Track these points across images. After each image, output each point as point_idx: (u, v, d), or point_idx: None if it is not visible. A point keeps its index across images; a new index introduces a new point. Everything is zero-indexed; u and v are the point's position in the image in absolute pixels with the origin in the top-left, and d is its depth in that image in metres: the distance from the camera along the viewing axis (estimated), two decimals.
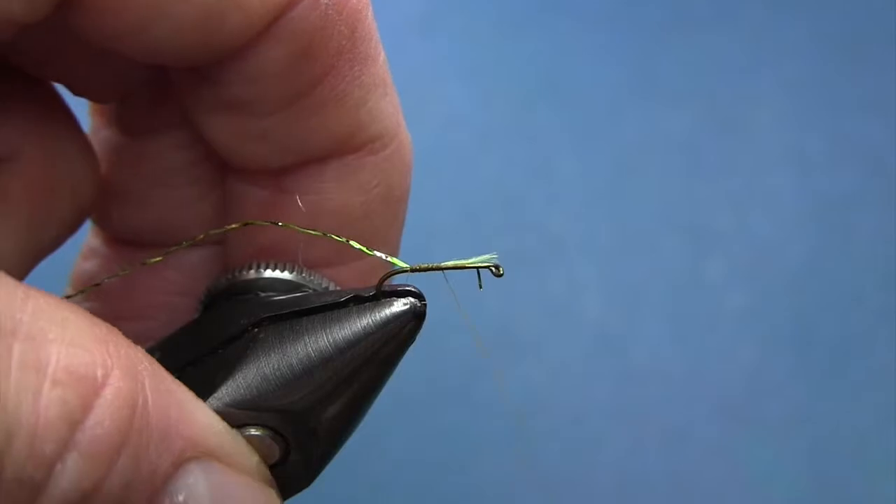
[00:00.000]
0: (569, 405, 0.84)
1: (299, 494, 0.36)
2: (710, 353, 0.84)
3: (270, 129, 0.37)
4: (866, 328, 0.85)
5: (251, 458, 0.33)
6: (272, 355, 0.35)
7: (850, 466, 0.81)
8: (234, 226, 0.38)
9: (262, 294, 0.38)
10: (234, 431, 0.33)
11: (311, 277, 0.38)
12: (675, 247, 0.86)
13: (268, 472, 0.34)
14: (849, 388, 0.83)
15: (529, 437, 0.83)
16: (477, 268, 0.34)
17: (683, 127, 0.89)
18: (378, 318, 0.34)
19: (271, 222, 0.38)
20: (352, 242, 0.36)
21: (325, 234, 0.37)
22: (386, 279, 0.35)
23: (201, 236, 0.39)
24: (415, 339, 0.36)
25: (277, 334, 0.35)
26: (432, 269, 0.34)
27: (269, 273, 0.38)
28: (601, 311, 0.86)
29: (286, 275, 0.38)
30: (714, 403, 0.83)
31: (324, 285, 0.38)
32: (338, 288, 0.38)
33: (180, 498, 0.31)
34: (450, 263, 0.34)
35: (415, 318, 0.35)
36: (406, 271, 0.34)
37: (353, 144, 0.38)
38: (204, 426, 0.32)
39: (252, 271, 0.38)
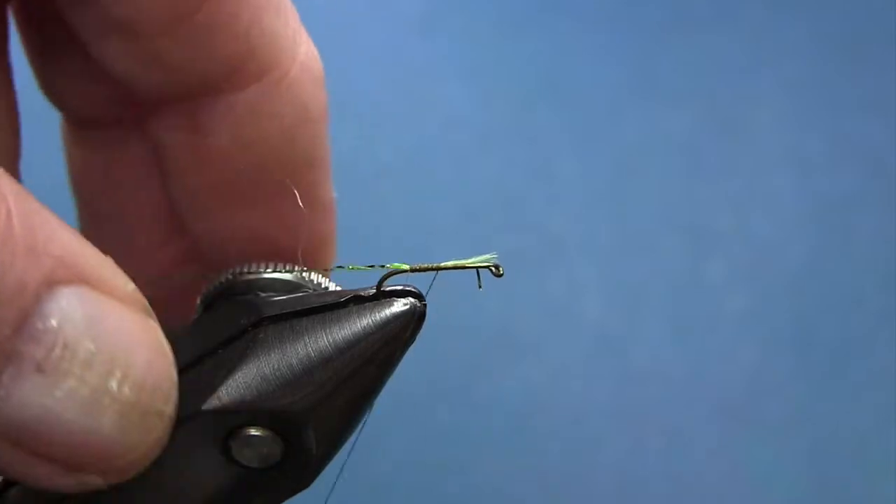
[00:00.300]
0: (569, 405, 0.84)
1: (299, 494, 0.36)
2: (710, 353, 0.84)
3: (162, 53, 0.37)
4: (867, 329, 0.85)
5: (127, 286, 0.32)
6: (272, 356, 0.35)
7: (850, 466, 0.81)
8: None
9: (263, 294, 0.37)
10: (106, 258, 0.32)
11: (311, 277, 0.38)
12: (675, 247, 0.86)
13: (145, 301, 0.33)
14: (849, 389, 0.83)
15: (529, 437, 0.83)
16: (477, 268, 0.34)
17: (683, 127, 0.89)
18: (378, 318, 0.35)
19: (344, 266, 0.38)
20: (390, 265, 0.36)
21: (380, 266, 0.36)
22: (385, 279, 0.35)
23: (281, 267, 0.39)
24: (415, 339, 0.36)
25: (277, 334, 0.35)
26: (432, 269, 0.35)
27: (268, 273, 0.38)
28: (601, 311, 0.86)
29: (286, 275, 0.38)
30: (714, 403, 0.83)
31: (324, 285, 0.38)
32: (338, 287, 0.38)
33: (53, 322, 0.29)
34: (450, 263, 0.34)
35: (415, 318, 0.35)
36: (405, 271, 0.35)
37: (252, 70, 0.38)
38: (75, 248, 0.31)
39: (252, 271, 0.38)
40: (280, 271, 0.38)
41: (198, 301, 0.40)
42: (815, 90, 0.89)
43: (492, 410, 0.85)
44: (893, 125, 0.88)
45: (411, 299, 0.35)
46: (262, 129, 0.39)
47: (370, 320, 0.35)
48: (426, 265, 0.34)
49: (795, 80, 0.90)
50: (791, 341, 0.84)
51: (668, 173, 0.88)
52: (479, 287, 0.35)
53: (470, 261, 0.34)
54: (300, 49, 0.39)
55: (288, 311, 0.35)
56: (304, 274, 0.38)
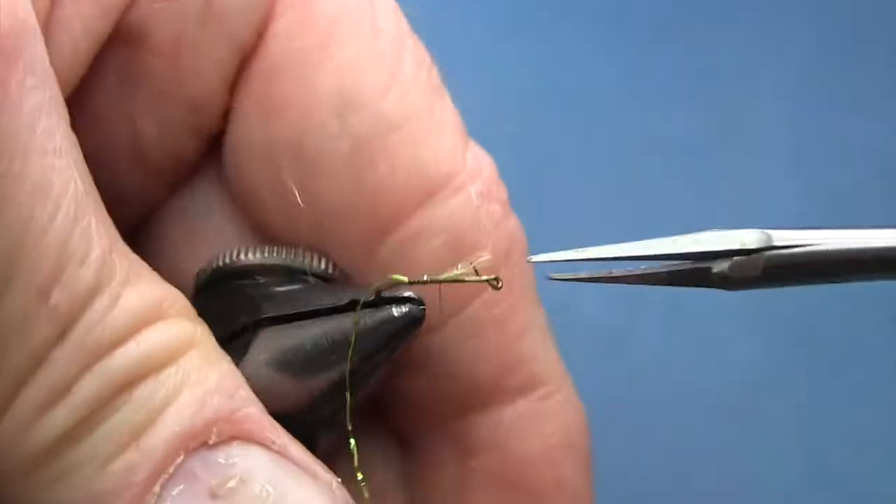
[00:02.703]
0: None
1: None
2: (709, 352, 0.84)
3: (433, 349, 0.37)
4: (868, 328, 0.85)
5: (318, 469, 0.33)
6: (270, 358, 0.35)
7: (850, 466, 0.81)
8: None
9: (261, 280, 0.37)
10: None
11: (308, 260, 0.38)
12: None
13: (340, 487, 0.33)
14: (849, 389, 0.83)
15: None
16: (475, 282, 0.34)
17: (683, 127, 0.89)
18: (377, 322, 0.35)
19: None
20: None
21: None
22: (382, 289, 0.35)
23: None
24: (412, 344, 0.36)
25: (276, 336, 0.35)
26: (430, 282, 0.35)
27: (265, 257, 0.38)
28: (601, 311, 0.86)
29: (283, 259, 0.38)
30: (714, 403, 0.83)
31: (321, 267, 0.38)
32: (335, 271, 0.38)
33: (235, 460, 0.30)
34: (449, 276, 0.34)
35: (414, 323, 0.35)
36: (403, 283, 0.35)
37: (521, 383, 0.38)
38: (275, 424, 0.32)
39: (248, 255, 0.38)
40: (277, 254, 0.38)
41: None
42: (815, 89, 0.89)
43: None
44: (894, 125, 0.87)
45: (410, 304, 0.35)
46: (526, 448, 0.38)
47: (369, 325, 0.35)
48: (424, 279, 0.34)
49: (796, 79, 0.89)
50: (793, 341, 0.84)
51: (668, 173, 0.88)
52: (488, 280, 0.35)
53: (469, 276, 0.34)
54: (567, 381, 0.39)
55: (287, 313, 0.35)
56: (303, 258, 0.38)
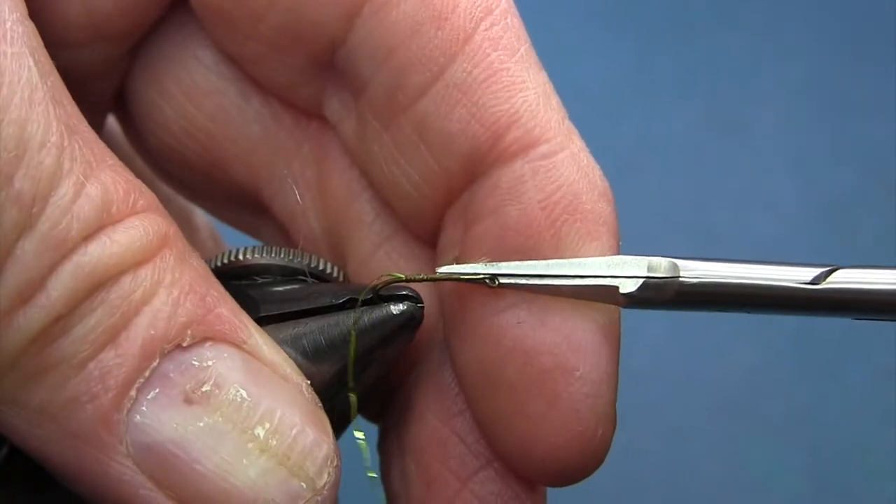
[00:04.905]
0: None
1: None
2: (709, 352, 0.84)
3: (425, 119, 0.35)
4: (867, 328, 0.85)
5: (285, 367, 0.32)
6: None
7: (850, 466, 0.81)
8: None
9: (259, 280, 0.37)
10: (272, 340, 0.33)
11: (307, 261, 0.38)
12: (676, 247, 0.85)
13: (308, 388, 0.33)
14: (849, 389, 0.83)
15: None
16: (472, 280, 0.34)
17: (683, 126, 0.88)
18: (375, 321, 0.35)
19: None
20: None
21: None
22: (381, 287, 0.35)
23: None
24: (411, 342, 0.36)
25: (275, 335, 0.34)
26: (427, 279, 0.34)
27: (265, 257, 0.38)
28: None
29: (282, 259, 0.38)
30: (714, 403, 0.83)
31: (320, 267, 0.38)
32: (333, 270, 0.38)
33: (209, 363, 0.30)
34: (444, 275, 0.34)
35: (412, 321, 0.35)
36: (401, 281, 0.34)
37: (516, 143, 0.34)
38: (245, 321, 0.32)
39: (248, 255, 0.38)
40: (276, 255, 0.38)
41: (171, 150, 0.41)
42: (815, 90, 0.89)
43: None
44: (894, 125, 0.87)
45: (408, 302, 0.35)
46: (526, 212, 0.34)
47: (367, 323, 0.35)
48: (421, 276, 0.34)
49: (796, 79, 0.89)
50: (791, 341, 0.84)
51: (667, 173, 0.88)
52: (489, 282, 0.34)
53: (466, 273, 0.34)
54: (573, 139, 0.35)
55: (286, 311, 0.35)
56: (301, 259, 0.38)
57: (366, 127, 0.36)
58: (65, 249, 0.28)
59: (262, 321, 0.34)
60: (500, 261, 0.33)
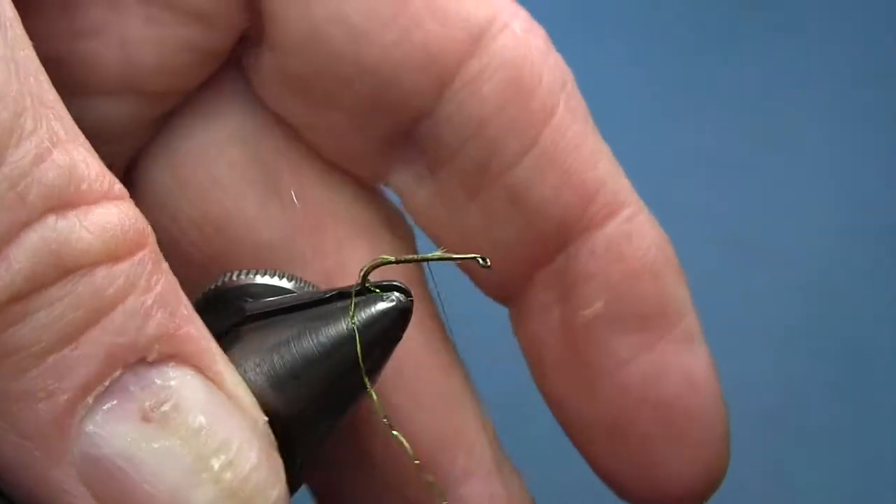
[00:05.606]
0: None
1: (293, 497, 0.34)
2: (751, 365, 0.83)
3: (517, 186, 0.37)
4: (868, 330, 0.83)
5: (247, 398, 0.31)
6: (254, 357, 0.34)
7: (850, 466, 0.79)
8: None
9: (251, 300, 0.36)
10: (235, 371, 0.32)
11: (302, 285, 0.37)
12: (712, 259, 0.84)
13: (266, 426, 0.32)
14: (854, 391, 0.81)
15: (529, 437, 0.83)
16: (464, 259, 0.32)
17: (718, 139, 0.87)
18: (363, 316, 0.33)
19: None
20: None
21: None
22: (370, 271, 0.33)
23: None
24: (402, 337, 0.34)
25: (260, 334, 0.34)
26: (418, 260, 0.33)
27: (260, 279, 0.36)
28: None
29: (279, 281, 0.36)
30: (756, 416, 0.82)
31: (310, 288, 0.37)
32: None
33: (172, 383, 0.29)
34: (436, 255, 0.33)
35: (401, 315, 0.33)
36: (391, 263, 0.33)
37: (606, 207, 0.38)
38: (212, 347, 0.31)
39: (243, 277, 0.36)
40: (271, 277, 0.37)
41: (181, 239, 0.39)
42: (865, 107, 0.87)
43: (491, 410, 0.84)
44: None
45: (397, 294, 0.33)
46: (628, 268, 0.38)
47: (355, 319, 0.33)
48: (412, 257, 0.33)
49: (846, 95, 0.88)
50: (834, 354, 0.82)
51: (699, 185, 0.86)
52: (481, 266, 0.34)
53: (457, 255, 0.33)
54: (642, 205, 0.39)
55: (271, 308, 0.34)
56: (297, 282, 0.37)
57: (446, 197, 0.38)
58: (24, 214, 0.26)
59: (246, 321, 0.34)
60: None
